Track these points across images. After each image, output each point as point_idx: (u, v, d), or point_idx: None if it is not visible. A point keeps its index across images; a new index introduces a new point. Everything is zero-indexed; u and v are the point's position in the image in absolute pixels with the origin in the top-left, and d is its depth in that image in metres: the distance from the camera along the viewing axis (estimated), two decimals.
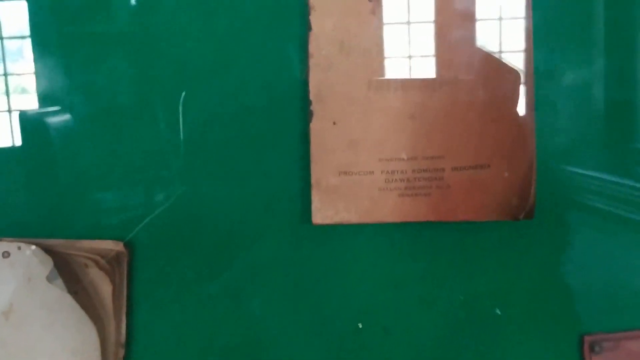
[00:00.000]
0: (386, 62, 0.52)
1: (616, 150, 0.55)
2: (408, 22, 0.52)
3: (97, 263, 0.50)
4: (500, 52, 0.51)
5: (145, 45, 0.53)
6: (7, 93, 0.55)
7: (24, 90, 0.55)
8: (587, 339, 0.56)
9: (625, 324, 0.56)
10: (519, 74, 0.50)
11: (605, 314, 0.56)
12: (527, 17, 0.50)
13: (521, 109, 0.50)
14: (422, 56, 0.52)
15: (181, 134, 0.54)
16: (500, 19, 0.51)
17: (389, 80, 0.52)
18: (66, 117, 0.54)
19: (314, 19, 0.51)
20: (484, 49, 0.51)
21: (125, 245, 0.52)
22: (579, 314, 0.56)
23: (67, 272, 0.51)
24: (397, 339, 0.56)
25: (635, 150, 0.56)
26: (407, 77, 0.52)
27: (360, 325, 0.56)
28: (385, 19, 0.52)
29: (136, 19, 0.53)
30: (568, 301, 0.56)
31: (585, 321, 0.56)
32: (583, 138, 0.54)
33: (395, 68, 0.52)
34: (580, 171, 0.54)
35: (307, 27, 0.51)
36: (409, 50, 0.52)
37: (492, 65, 0.50)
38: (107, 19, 0.53)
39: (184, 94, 0.53)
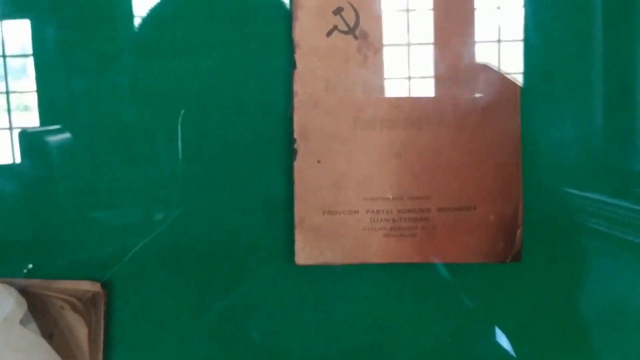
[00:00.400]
0: (372, 100, 0.51)
1: (615, 172, 0.55)
2: (394, 61, 0.52)
3: (72, 305, 0.49)
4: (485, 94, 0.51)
5: (146, 65, 0.52)
6: (9, 110, 0.55)
7: (26, 108, 0.55)
8: None
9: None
10: (505, 117, 0.49)
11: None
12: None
13: (507, 151, 0.49)
14: (407, 95, 0.52)
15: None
16: (485, 65, 0.51)
17: (374, 118, 0.51)
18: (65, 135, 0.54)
19: (299, 57, 0.51)
20: (470, 90, 0.50)
21: (103, 285, 0.51)
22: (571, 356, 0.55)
23: (43, 313, 0.50)
24: None
25: (634, 173, 0.55)
26: (393, 115, 0.52)
27: None
28: (371, 57, 0.51)
29: (138, 39, 0.52)
30: (560, 342, 0.55)
31: None
32: (580, 159, 0.54)
33: (381, 106, 0.52)
34: (577, 192, 0.54)
35: (292, 65, 0.51)
36: (394, 88, 0.52)
37: (478, 106, 0.50)
38: (109, 39, 0.53)
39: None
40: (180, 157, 0.52)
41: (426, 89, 0.51)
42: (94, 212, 0.54)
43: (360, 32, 0.51)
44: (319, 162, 0.51)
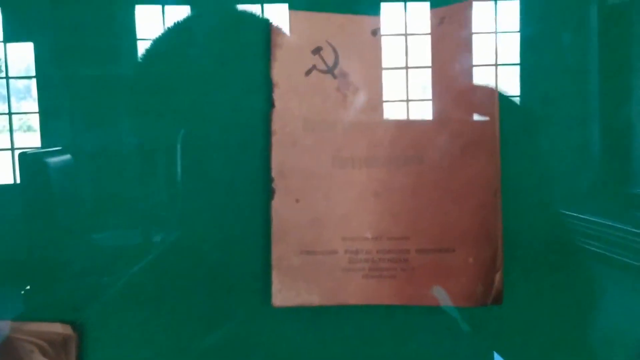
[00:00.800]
0: (351, 139, 0.51)
1: (611, 195, 0.54)
2: (373, 101, 0.52)
3: (42, 349, 0.47)
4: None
5: (146, 90, 0.52)
6: (11, 131, 0.55)
7: (29, 128, 0.55)
8: None
9: None
10: (483, 159, 0.49)
11: None
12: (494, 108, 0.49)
13: (485, 194, 0.48)
14: (386, 132, 0.51)
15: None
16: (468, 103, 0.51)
17: (353, 156, 0.51)
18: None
19: (277, 96, 0.51)
20: (448, 130, 0.50)
21: (75, 327, 0.50)
22: None
23: (12, 357, 0.48)
24: None
25: (631, 195, 0.55)
26: (372, 153, 0.51)
27: None
28: (350, 97, 0.51)
29: (136, 68, 0.52)
30: None
31: None
32: (577, 183, 0.53)
33: (360, 145, 0.51)
34: (575, 215, 0.53)
35: (270, 104, 0.51)
36: (373, 127, 0.52)
37: (457, 146, 0.49)
38: (111, 62, 0.53)
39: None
40: (179, 178, 0.52)
41: (406, 128, 0.51)
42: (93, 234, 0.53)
43: (339, 72, 0.51)
44: (297, 201, 0.51)
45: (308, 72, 0.51)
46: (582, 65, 0.54)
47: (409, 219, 0.50)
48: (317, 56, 0.51)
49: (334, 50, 0.51)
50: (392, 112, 0.52)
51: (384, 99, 0.51)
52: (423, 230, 0.50)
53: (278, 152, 0.50)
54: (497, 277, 0.48)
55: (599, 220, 0.55)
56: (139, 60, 0.53)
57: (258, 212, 0.51)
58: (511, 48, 0.56)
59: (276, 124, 0.51)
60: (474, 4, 0.49)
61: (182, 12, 0.53)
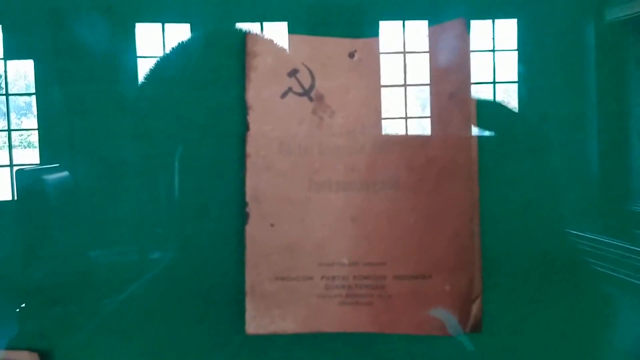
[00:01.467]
0: (327, 162, 0.50)
1: (610, 212, 0.54)
2: (350, 124, 0.51)
3: None
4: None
5: (146, 108, 0.52)
6: (10, 147, 0.54)
7: (29, 145, 0.55)
8: None
9: None
10: (462, 182, 0.48)
11: None
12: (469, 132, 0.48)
13: (461, 219, 0.47)
14: (363, 156, 0.51)
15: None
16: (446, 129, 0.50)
17: (329, 180, 0.50)
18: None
19: (251, 119, 0.50)
20: (425, 153, 0.49)
21: (42, 356, 0.48)
22: None
23: None
24: None
25: (629, 213, 0.54)
26: (349, 177, 0.50)
27: None
28: (327, 119, 0.50)
29: (138, 81, 0.52)
30: None
31: None
32: (576, 200, 0.53)
33: (337, 168, 0.50)
34: (575, 233, 0.52)
35: (245, 126, 0.50)
36: (349, 150, 0.51)
37: (433, 170, 0.49)
38: (110, 80, 0.53)
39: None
40: (176, 194, 0.51)
41: (382, 152, 0.50)
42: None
43: (315, 94, 0.50)
44: (272, 225, 0.50)
45: (284, 95, 0.50)
46: (579, 82, 0.54)
47: (386, 244, 0.49)
48: (293, 78, 0.51)
49: (310, 73, 0.50)
50: (369, 135, 0.51)
51: (363, 124, 0.51)
52: (400, 256, 0.49)
53: (252, 175, 0.50)
54: (475, 305, 0.47)
55: (598, 238, 0.54)
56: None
57: (232, 237, 0.50)
58: (509, 66, 0.56)
59: (251, 147, 0.50)
60: (450, 25, 0.48)
61: (180, 32, 0.53)
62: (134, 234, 0.52)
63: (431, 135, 0.49)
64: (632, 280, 0.55)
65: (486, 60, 0.56)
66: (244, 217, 0.49)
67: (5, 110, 0.55)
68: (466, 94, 0.47)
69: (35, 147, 0.55)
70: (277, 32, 0.51)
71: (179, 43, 0.52)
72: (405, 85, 0.54)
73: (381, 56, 0.51)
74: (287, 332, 0.49)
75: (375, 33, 0.52)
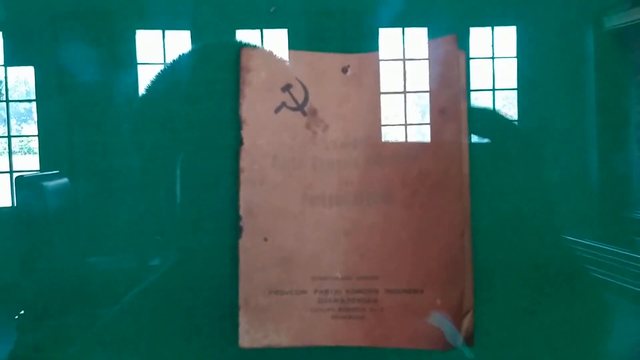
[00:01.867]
0: (320, 176, 0.51)
1: (610, 220, 0.54)
2: (343, 138, 0.51)
3: None
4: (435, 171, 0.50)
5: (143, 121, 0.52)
6: (10, 153, 0.55)
7: (30, 150, 0.56)
8: None
9: None
10: (454, 196, 0.48)
11: None
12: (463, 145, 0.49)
13: (453, 234, 0.48)
14: (356, 170, 0.51)
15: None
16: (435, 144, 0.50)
17: (323, 194, 0.50)
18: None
19: (245, 133, 0.50)
20: (418, 166, 0.50)
21: None
22: None
23: None
24: None
25: (629, 220, 0.54)
26: (342, 191, 0.50)
27: None
28: (320, 134, 0.51)
29: (137, 90, 0.53)
30: None
31: None
32: (576, 208, 0.53)
33: (330, 182, 0.51)
34: (574, 239, 0.52)
35: (239, 141, 0.50)
36: (343, 164, 0.51)
37: (426, 184, 0.49)
38: (110, 87, 0.53)
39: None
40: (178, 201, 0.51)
41: (375, 166, 0.50)
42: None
43: (309, 109, 0.51)
44: (265, 239, 0.50)
45: (277, 109, 0.51)
46: (578, 90, 0.54)
47: (378, 258, 0.49)
48: (286, 93, 0.51)
49: (304, 87, 0.51)
50: (362, 150, 0.51)
51: (355, 139, 0.51)
52: (392, 270, 0.49)
53: (246, 189, 0.50)
54: (467, 319, 0.47)
55: (597, 245, 0.54)
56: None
57: (226, 250, 0.51)
58: (508, 74, 0.56)
59: (244, 161, 0.50)
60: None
61: (179, 41, 0.53)
62: (131, 242, 0.52)
63: (423, 148, 0.49)
64: (632, 287, 0.54)
65: (486, 68, 0.56)
66: (237, 231, 0.50)
67: (5, 116, 0.56)
68: (457, 109, 0.47)
69: (35, 153, 0.55)
70: (272, 44, 0.51)
71: (174, 58, 0.52)
72: (404, 92, 0.55)
73: (380, 63, 0.51)
74: (281, 346, 0.49)
75: (370, 47, 0.52)
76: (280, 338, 0.49)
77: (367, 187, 0.50)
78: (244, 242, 0.50)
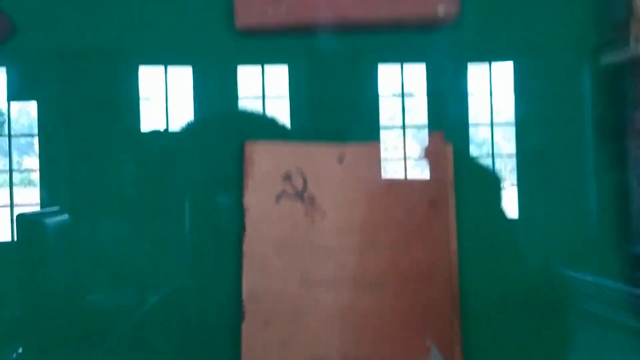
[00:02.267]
0: (319, 261, 0.54)
1: (610, 254, 0.54)
2: (340, 224, 0.54)
3: None
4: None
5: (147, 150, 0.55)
6: (11, 187, 0.56)
7: (30, 183, 0.57)
8: None
9: None
10: (443, 285, 0.51)
11: None
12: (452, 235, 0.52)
13: (445, 318, 0.51)
14: (352, 256, 0.54)
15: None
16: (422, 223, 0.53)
17: (321, 279, 0.53)
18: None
19: (248, 220, 0.53)
20: (409, 254, 0.53)
21: None
22: None
23: None
24: None
25: (629, 255, 0.54)
26: (339, 276, 0.53)
27: None
28: (318, 221, 0.54)
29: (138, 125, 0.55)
30: None
31: None
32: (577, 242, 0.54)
33: (328, 267, 0.54)
34: (573, 275, 0.53)
35: (242, 228, 0.53)
36: (339, 250, 0.54)
37: (416, 272, 0.52)
38: (112, 123, 0.55)
39: None
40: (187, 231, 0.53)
41: (370, 253, 0.53)
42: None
43: (307, 197, 0.54)
44: (266, 324, 0.53)
45: (278, 198, 0.54)
46: (577, 125, 0.55)
47: (373, 340, 0.52)
48: (287, 182, 0.54)
49: (303, 177, 0.54)
50: (355, 234, 0.54)
51: (350, 222, 0.54)
52: (387, 352, 0.51)
53: (249, 275, 0.53)
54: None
55: (596, 281, 0.55)
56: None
57: (228, 335, 0.53)
58: (506, 108, 0.58)
59: (247, 247, 0.53)
60: None
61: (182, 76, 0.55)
62: (131, 278, 0.54)
63: (415, 238, 0.52)
64: (632, 323, 0.55)
65: (484, 102, 0.58)
66: (240, 316, 0.52)
67: (7, 149, 0.57)
68: (446, 202, 0.51)
69: (36, 185, 0.56)
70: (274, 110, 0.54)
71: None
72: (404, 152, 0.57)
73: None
74: None
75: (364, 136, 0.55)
76: None
77: (362, 273, 0.53)
78: (246, 327, 0.52)
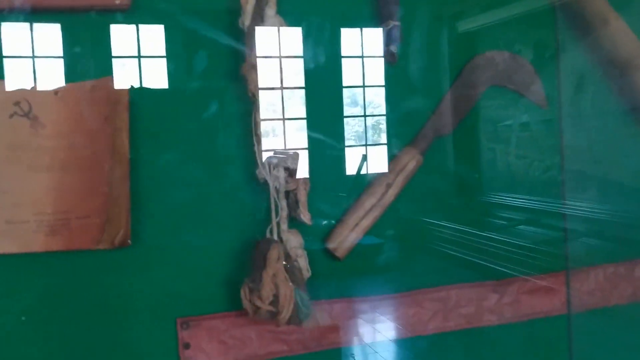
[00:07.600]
0: (40, 155, 0.86)
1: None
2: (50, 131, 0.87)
3: None
4: None
5: None
6: None
7: None
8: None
9: None
10: (118, 168, 0.87)
11: None
12: None
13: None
14: (61, 150, 0.87)
15: None
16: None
17: (41, 165, 0.86)
18: None
19: None
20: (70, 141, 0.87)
21: None
22: None
23: None
24: None
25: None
26: (53, 164, 0.87)
27: None
28: (39, 130, 0.86)
29: None
30: None
31: None
32: None
33: (46, 159, 0.87)
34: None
35: None
36: (53, 148, 0.87)
37: (97, 159, 0.87)
38: None
39: None
40: None
41: (70, 150, 0.87)
42: None
43: (32, 116, 0.86)
44: None
45: (11, 116, 0.85)
46: None
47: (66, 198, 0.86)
48: (16, 106, 0.86)
49: (29, 103, 0.86)
50: (65, 139, 0.87)
51: (60, 131, 0.87)
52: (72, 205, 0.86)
53: None
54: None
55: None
56: None
57: None
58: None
59: None
60: None
61: None
62: None
63: (96, 140, 0.87)
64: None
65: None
66: None
67: None
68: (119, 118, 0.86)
69: None
70: None
71: None
72: None
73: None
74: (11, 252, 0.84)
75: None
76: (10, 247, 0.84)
77: (68, 163, 0.86)
78: None
